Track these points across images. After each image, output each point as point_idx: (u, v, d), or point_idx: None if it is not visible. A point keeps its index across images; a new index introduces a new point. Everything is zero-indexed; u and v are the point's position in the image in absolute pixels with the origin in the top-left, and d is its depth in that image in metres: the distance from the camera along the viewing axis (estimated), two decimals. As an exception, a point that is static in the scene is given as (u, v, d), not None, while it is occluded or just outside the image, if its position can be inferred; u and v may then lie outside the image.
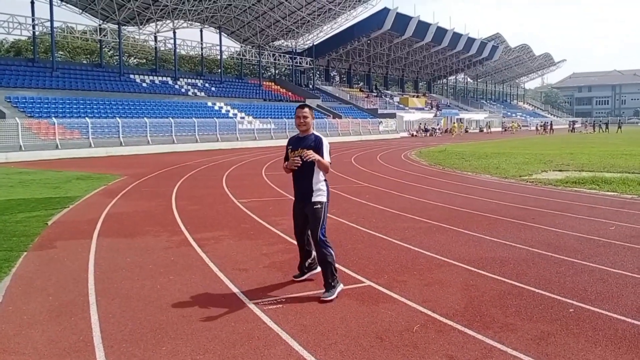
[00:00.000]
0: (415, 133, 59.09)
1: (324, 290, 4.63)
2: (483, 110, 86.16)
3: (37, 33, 41.26)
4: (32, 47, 45.75)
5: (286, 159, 4.79)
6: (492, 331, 3.87)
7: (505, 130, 70.11)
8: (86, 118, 30.51)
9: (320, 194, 4.71)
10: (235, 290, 4.93)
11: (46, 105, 32.88)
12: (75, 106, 34.16)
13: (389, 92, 75.57)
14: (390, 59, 72.91)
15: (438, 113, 70.85)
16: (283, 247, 6.67)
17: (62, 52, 60.46)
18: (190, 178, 15.96)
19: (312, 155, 4.50)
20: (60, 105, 33.53)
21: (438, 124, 65.96)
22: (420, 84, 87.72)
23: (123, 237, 7.40)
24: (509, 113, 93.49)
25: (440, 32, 67.57)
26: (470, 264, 5.75)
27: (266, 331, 3.94)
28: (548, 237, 7.10)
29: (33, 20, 39.50)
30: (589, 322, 4.06)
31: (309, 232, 4.80)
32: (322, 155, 4.61)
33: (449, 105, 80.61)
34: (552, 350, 3.55)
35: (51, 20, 38.87)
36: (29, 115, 30.50)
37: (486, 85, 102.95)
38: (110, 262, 6.02)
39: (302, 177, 4.70)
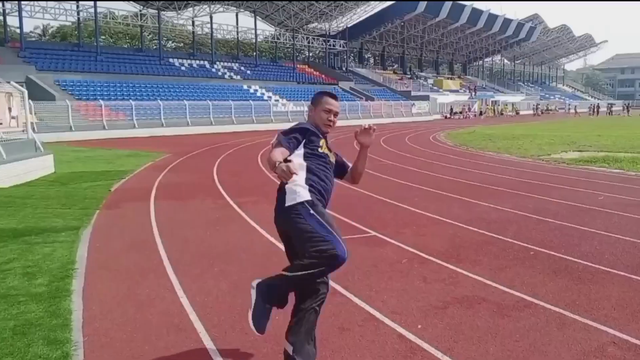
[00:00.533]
0: (448, 115, 59.30)
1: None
2: (520, 93, 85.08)
3: (81, 19, 43.48)
4: (76, 32, 48.01)
5: (306, 156, 3.00)
6: (462, 264, 5.05)
7: (538, 112, 69.34)
8: (130, 100, 32.39)
9: None
10: (267, 236, 6.22)
11: (92, 88, 34.95)
12: (119, 89, 36.17)
13: (423, 74, 75.56)
14: (425, 41, 72.79)
15: (473, 95, 70.59)
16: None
17: (104, 37, 62.81)
18: (229, 156, 17.41)
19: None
20: (105, 88, 35.58)
21: (472, 106, 65.80)
22: (456, 66, 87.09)
23: (175, 200, 8.82)
24: (547, 95, 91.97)
25: (476, 13, 67.00)
26: (462, 222, 6.89)
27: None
28: (539, 204, 8.15)
29: (78, 6, 41.71)
30: (541, 260, 5.19)
31: None
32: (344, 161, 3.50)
33: (484, 87, 80.00)
34: (503, 275, 4.71)
35: (95, 7, 40.95)
36: (77, 97, 32.58)
37: (524, 67, 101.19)
38: (168, 217, 7.43)
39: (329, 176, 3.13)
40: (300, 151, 2.95)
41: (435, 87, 69.00)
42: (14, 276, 4.78)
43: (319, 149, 3.01)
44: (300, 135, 2.97)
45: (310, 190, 2.91)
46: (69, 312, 3.93)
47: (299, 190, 2.89)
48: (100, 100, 31.07)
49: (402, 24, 65.38)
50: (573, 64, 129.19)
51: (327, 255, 2.67)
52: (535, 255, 5.36)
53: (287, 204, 2.93)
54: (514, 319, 3.76)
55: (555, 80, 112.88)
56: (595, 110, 66.17)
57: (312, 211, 2.82)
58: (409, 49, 74.12)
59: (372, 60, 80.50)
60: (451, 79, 76.29)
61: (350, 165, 3.41)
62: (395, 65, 77.06)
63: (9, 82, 13.57)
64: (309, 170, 2.96)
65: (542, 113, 68.03)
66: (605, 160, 13.62)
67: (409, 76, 70.93)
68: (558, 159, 14.77)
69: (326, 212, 2.89)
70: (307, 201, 2.86)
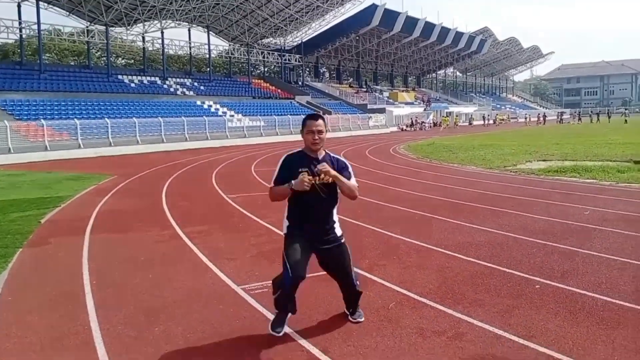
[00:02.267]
0: (405, 127, 59.46)
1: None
2: (472, 104, 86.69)
3: (24, 36, 41.16)
4: (19, 50, 45.52)
5: (283, 180, 3.58)
6: (461, 306, 4.17)
7: (494, 122, 70.55)
8: (75, 119, 30.54)
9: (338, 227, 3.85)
10: (223, 277, 5.20)
11: (34, 108, 32.85)
12: (63, 108, 34.15)
13: (378, 87, 75.87)
14: (379, 55, 73.17)
15: (428, 107, 71.26)
16: (270, 238, 6.94)
17: (49, 55, 60.02)
18: (180, 176, 16.18)
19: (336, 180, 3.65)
20: (49, 107, 33.51)
21: (427, 118, 66.34)
22: (410, 78, 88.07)
23: (115, 233, 7.64)
24: (498, 106, 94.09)
25: (429, 26, 67.87)
26: (447, 248, 6.05)
27: (252, 312, 4.22)
28: (524, 223, 7.43)
29: (20, 23, 39.41)
30: (552, 296, 4.37)
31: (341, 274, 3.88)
32: (350, 175, 3.85)
33: (438, 99, 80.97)
34: (515, 321, 3.86)
35: (38, 23, 38.71)
36: (17, 117, 30.49)
37: (475, 79, 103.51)
38: (104, 256, 6.27)
39: (320, 208, 3.68)
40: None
41: (390, 100, 69.27)
42: None
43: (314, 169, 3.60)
44: (286, 175, 3.59)
45: (289, 223, 3.77)
46: None
47: (283, 223, 3.82)
48: (41, 120, 29.12)
49: (357, 37, 65.46)
50: (521, 75, 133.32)
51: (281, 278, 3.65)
52: (542, 290, 4.54)
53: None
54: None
55: (505, 91, 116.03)
56: (543, 119, 67.91)
57: (285, 242, 3.72)
58: (364, 62, 74.34)
59: (327, 74, 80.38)
60: (406, 91, 76.89)
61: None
62: (351, 79, 77.08)
63: None
64: (289, 202, 3.74)
65: (497, 123, 69.24)
66: (574, 170, 13.19)
67: (365, 89, 70.95)
68: (526, 170, 14.29)
69: (295, 243, 3.63)
70: (285, 234, 3.79)
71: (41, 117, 30.53)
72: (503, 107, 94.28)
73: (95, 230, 7.89)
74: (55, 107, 33.83)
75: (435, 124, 63.66)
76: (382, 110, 59.49)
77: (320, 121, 3.66)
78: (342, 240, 3.81)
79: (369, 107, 60.39)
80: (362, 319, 3.93)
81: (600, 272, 5.02)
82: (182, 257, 6.11)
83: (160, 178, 15.42)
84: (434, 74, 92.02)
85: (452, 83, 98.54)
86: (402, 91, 75.86)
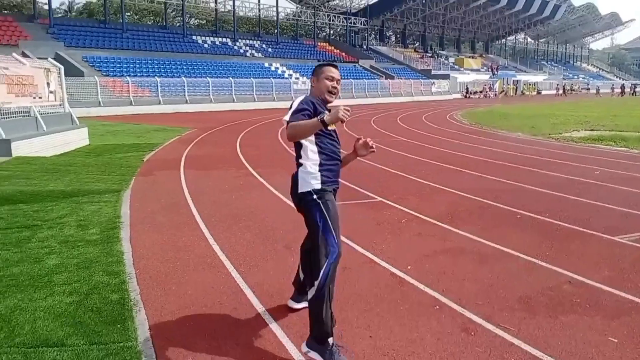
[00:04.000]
0: (468, 94, 59.11)
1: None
2: (542, 72, 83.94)
3: (107, -4, 44.38)
4: (102, 9, 48.93)
5: (307, 116, 2.99)
6: (454, 223, 5.77)
7: (563, 93, 68.28)
8: (156, 77, 33.29)
9: None
10: (285, 199, 7.00)
11: (119, 65, 35.93)
12: (144, 66, 37.10)
13: (444, 52, 75.04)
14: (446, 19, 72.17)
15: (494, 74, 70.02)
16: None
17: (129, 14, 63.69)
18: (250, 132, 18.20)
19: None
20: (132, 65, 36.53)
21: (493, 85, 65.35)
22: (478, 44, 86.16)
23: (203, 170, 9.65)
24: (570, 75, 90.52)
25: (499, -10, 66.13)
26: (463, 191, 7.58)
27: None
28: (538, 178, 8.77)
29: (105, -17, 42.54)
30: (526, 221, 5.89)
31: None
32: None
33: (506, 67, 79.09)
34: (488, 233, 5.42)
35: (121, -16, 41.74)
36: (104, 74, 33.59)
37: (547, 46, 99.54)
38: (197, 184, 8.26)
39: (339, 151, 3.24)
40: None
41: (456, 66, 68.60)
42: (69, 227, 5.65)
43: (329, 126, 2.93)
44: (310, 110, 2.99)
45: (322, 176, 3.07)
46: (120, 254, 4.77)
47: (310, 178, 3.06)
48: (127, 77, 32.04)
49: (424, 1, 64.90)
50: (599, 43, 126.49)
51: (327, 255, 2.94)
52: (521, 218, 6.05)
53: (300, 190, 3.11)
54: (491, 266, 4.49)
55: (580, 60, 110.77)
56: (621, 90, 64.83)
57: (320, 204, 3.02)
58: (431, 27, 73.57)
59: (393, 38, 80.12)
60: (472, 57, 75.63)
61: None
62: (417, 44, 76.60)
63: (46, 59, 14.50)
64: (320, 150, 3.09)
65: (564, 93, 66.69)
66: (612, 139, 14.05)
67: (430, 55, 70.54)
68: (567, 138, 15.22)
69: (333, 203, 3.06)
70: (315, 190, 3.05)
71: (125, 74, 33.51)
72: (575, 77, 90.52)
73: (187, 167, 9.96)
74: (137, 65, 36.80)
75: (503, 92, 62.73)
76: (446, 77, 59.32)
77: (338, 70, 3.27)
78: None
79: (433, 72, 60.33)
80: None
81: (575, 210, 6.43)
82: (254, 187, 8.00)
83: (234, 133, 17.49)
84: (503, 40, 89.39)
85: (522, 50, 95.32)
86: (469, 57, 74.69)
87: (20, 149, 10.83)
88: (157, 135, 16.08)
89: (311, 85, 3.29)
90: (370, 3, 61.91)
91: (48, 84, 13.38)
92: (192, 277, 4.25)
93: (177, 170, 9.56)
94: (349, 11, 60.79)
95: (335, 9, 61.02)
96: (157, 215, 6.28)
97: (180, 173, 9.25)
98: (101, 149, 12.66)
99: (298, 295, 3.57)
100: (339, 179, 3.25)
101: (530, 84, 71.44)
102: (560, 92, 67.64)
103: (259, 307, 3.66)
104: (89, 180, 8.37)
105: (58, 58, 31.85)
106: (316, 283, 2.91)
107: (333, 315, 3.00)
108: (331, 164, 3.14)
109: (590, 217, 6.08)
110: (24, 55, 24.57)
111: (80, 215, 6.15)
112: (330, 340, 2.90)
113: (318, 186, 3.06)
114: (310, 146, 3.10)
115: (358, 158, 3.31)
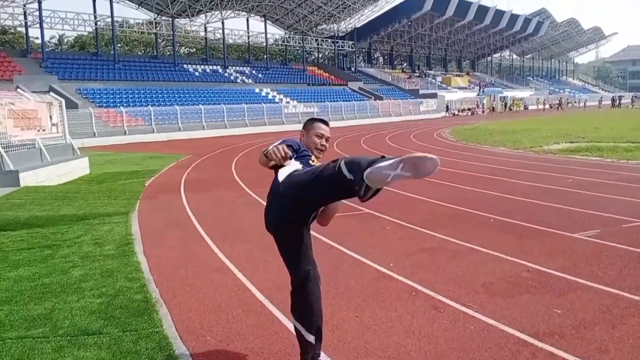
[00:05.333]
0: (456, 112, 60.30)
1: None
2: (529, 88, 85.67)
3: (98, 28, 45.39)
4: (94, 42, 50.02)
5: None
6: (432, 228, 6.45)
7: (550, 107, 69.63)
8: (149, 106, 34.09)
9: None
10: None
11: (112, 95, 36.73)
12: (137, 95, 37.94)
13: (431, 72, 76.63)
14: (432, 39, 73.89)
15: (481, 91, 71.50)
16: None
17: (120, 45, 64.95)
18: (244, 155, 18.92)
19: None
20: (124, 95, 37.35)
21: (480, 103, 66.66)
22: (464, 62, 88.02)
23: (203, 192, 10.32)
24: (556, 89, 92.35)
25: (482, 10, 67.94)
26: (442, 201, 8.28)
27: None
28: (510, 186, 9.51)
29: (95, 17, 43.62)
30: (497, 224, 6.59)
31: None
32: None
33: (493, 84, 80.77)
34: (462, 234, 6.10)
35: (112, 16, 42.84)
36: (98, 105, 34.34)
37: (533, 62, 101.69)
38: (198, 204, 8.91)
39: None
40: (296, 162, 2.98)
41: (443, 85, 70.04)
42: (87, 245, 6.27)
43: (311, 162, 3.04)
44: (294, 147, 3.01)
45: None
46: (137, 263, 5.41)
47: None
48: (120, 107, 32.83)
49: (410, 23, 66.57)
50: (584, 57, 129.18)
51: (301, 276, 3.03)
52: (493, 222, 6.75)
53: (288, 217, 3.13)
54: (462, 260, 5.16)
55: (565, 74, 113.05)
56: (612, 103, 66.10)
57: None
58: (417, 47, 75.24)
59: (381, 60, 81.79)
60: (459, 76, 77.25)
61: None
62: (405, 64, 78.25)
63: (48, 92, 15.22)
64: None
65: (561, 107, 64.69)
66: (588, 150, 14.87)
67: (417, 75, 72.07)
68: (547, 150, 16.03)
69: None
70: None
71: (118, 104, 34.30)
72: (561, 91, 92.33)
73: (187, 189, 10.63)
74: (130, 95, 37.63)
75: (491, 109, 63.98)
76: (433, 95, 60.57)
77: (328, 127, 3.26)
78: None
79: (421, 92, 61.58)
80: None
81: (542, 213, 7.13)
82: (252, 204, 8.67)
83: (228, 157, 18.19)
84: (489, 58, 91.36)
85: (508, 66, 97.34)
86: (456, 76, 76.29)
87: (27, 179, 11.46)
88: (155, 162, 16.75)
89: (300, 137, 3.25)
90: (357, 26, 63.51)
91: (50, 117, 14.09)
92: (203, 279, 4.89)
93: (178, 193, 10.22)
94: (336, 35, 62.27)
95: (323, 33, 62.51)
96: (165, 232, 6.92)
97: (182, 195, 9.91)
98: (103, 177, 13.30)
99: None
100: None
101: (517, 100, 72.86)
102: (547, 106, 68.99)
103: (262, 298, 4.31)
104: (97, 204, 9.00)
105: (52, 91, 32.65)
106: None
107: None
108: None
109: (556, 219, 6.78)
110: (16, 89, 25.34)
111: (95, 234, 6.78)
112: None
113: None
114: None
115: None
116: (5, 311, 4.21)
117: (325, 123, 3.24)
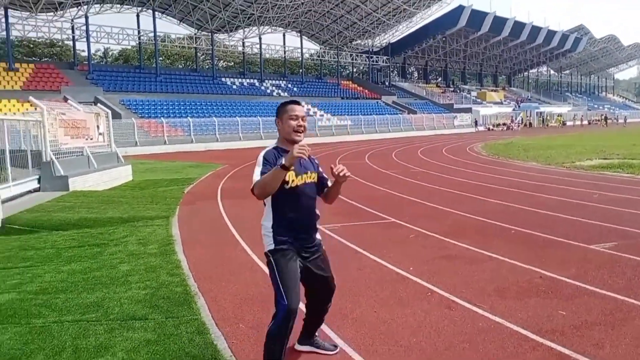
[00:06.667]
0: (491, 127, 59.82)
1: None
2: (567, 103, 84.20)
3: (141, 43, 47.25)
4: (137, 55, 52.04)
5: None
6: (455, 238, 6.76)
7: (588, 123, 68.31)
8: (188, 118, 35.28)
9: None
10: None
11: (153, 107, 38.15)
12: (177, 107, 39.28)
13: (466, 87, 76.37)
14: (467, 54, 73.67)
15: (517, 107, 70.73)
16: (344, 205, 9.78)
17: (161, 59, 67.19)
18: (278, 166, 19.48)
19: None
20: (165, 106, 38.72)
21: (516, 118, 65.94)
22: (500, 77, 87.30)
23: (238, 199, 10.85)
24: (595, 105, 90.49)
25: (518, 26, 67.39)
26: (467, 212, 8.56)
27: (328, 239, 7.09)
28: (536, 200, 9.69)
29: (139, 32, 45.46)
30: (518, 236, 6.85)
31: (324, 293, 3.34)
32: (326, 177, 3.33)
33: (529, 99, 79.74)
34: (483, 244, 6.40)
35: (154, 31, 44.58)
36: (140, 115, 35.74)
37: (571, 78, 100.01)
38: (234, 210, 9.44)
39: (306, 206, 3.20)
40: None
41: (478, 100, 69.70)
42: (132, 244, 6.84)
43: (286, 185, 3.01)
44: (271, 163, 3.01)
45: (277, 235, 3.10)
46: (178, 261, 5.92)
47: (266, 239, 3.15)
48: (161, 118, 34.08)
49: (444, 38, 66.66)
50: (625, 73, 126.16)
51: (276, 314, 3.01)
52: (515, 233, 7.01)
53: (264, 249, 3.20)
54: (478, 266, 5.48)
55: (605, 90, 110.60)
56: None
57: (274, 265, 3.06)
58: (452, 62, 75.13)
59: (415, 74, 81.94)
60: (495, 91, 76.68)
61: (329, 185, 3.30)
62: (439, 79, 78.18)
63: (94, 103, 16.14)
64: (275, 208, 3.14)
65: (605, 123, 63.40)
66: (620, 166, 14.81)
67: (452, 89, 71.91)
68: (578, 166, 16.01)
69: (287, 263, 3.05)
70: (270, 251, 3.11)
71: (159, 115, 35.62)
72: (600, 107, 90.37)
73: (224, 197, 11.21)
74: (170, 107, 38.99)
75: (528, 124, 63.18)
76: (468, 110, 60.37)
77: (302, 107, 3.19)
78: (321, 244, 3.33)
79: (455, 106, 61.48)
80: (337, 350, 3.54)
81: (564, 226, 7.34)
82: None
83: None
84: (525, 73, 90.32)
85: (545, 82, 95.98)
86: (491, 91, 75.79)
87: (76, 184, 12.26)
88: (193, 171, 17.47)
89: (277, 128, 3.20)
90: (391, 42, 64.00)
91: (98, 126, 14.97)
92: (237, 277, 5.35)
93: (215, 200, 10.80)
94: (370, 50, 62.89)
95: (357, 48, 63.24)
96: (203, 235, 7.45)
97: (219, 202, 10.47)
98: (145, 184, 14.04)
99: (301, 338, 3.56)
100: (312, 233, 3.23)
101: (558, 116, 71.65)
102: (585, 122, 67.56)
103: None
104: (140, 209, 9.64)
105: (97, 102, 34.22)
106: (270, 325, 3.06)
107: None
108: (289, 222, 3.10)
109: (575, 231, 7.00)
110: (66, 100, 26.74)
111: (139, 235, 7.36)
112: None
113: (271, 247, 3.10)
114: (267, 203, 3.14)
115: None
116: (62, 299, 4.75)
117: (297, 103, 3.17)
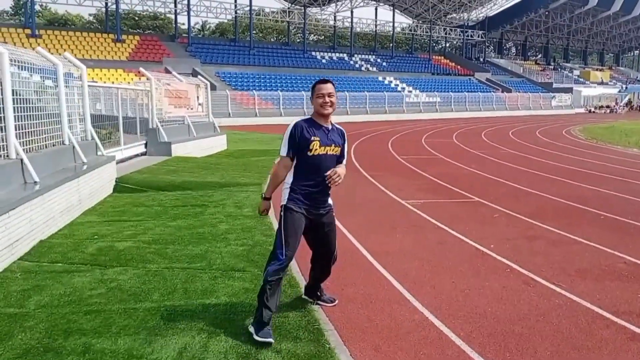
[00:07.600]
0: (592, 109, 56.07)
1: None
2: (682, 85, 76.77)
3: (238, 16, 48.82)
4: (233, 29, 53.78)
5: (292, 151, 3.53)
6: (539, 219, 6.76)
7: None
8: (278, 91, 36.28)
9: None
10: (393, 196, 8.35)
11: (246, 79, 39.55)
12: (268, 80, 40.45)
13: (568, 65, 71.72)
14: (572, 30, 68.97)
15: (624, 88, 65.58)
16: (426, 182, 9.93)
17: (255, 32, 68.94)
18: (363, 142, 19.76)
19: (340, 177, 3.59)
20: (257, 80, 40.01)
21: (621, 100, 61.26)
22: (607, 56, 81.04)
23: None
24: None
25: (630, 0, 62.05)
26: (555, 196, 8.44)
27: (410, 213, 7.34)
28: (632, 187, 9.31)
29: (235, 6, 46.98)
30: (607, 221, 6.72)
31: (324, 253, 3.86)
32: (345, 154, 3.80)
33: (639, 80, 73.57)
34: (568, 227, 6.37)
35: (250, 5, 45.89)
36: (234, 87, 37.24)
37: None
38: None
39: (324, 173, 3.54)
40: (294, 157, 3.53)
41: (581, 79, 65.36)
42: (229, 207, 7.47)
43: (309, 152, 3.47)
44: (296, 139, 3.49)
45: (292, 193, 3.51)
46: (270, 224, 6.44)
47: (284, 194, 3.57)
48: (253, 91, 35.32)
49: (547, 12, 62.79)
50: None
51: (272, 262, 3.43)
52: (604, 219, 6.88)
53: (280, 202, 3.60)
54: (561, 248, 5.52)
55: None
56: None
57: (282, 218, 3.50)
58: (554, 38, 70.74)
59: (513, 50, 78.06)
60: (600, 70, 71.43)
61: (342, 162, 3.77)
62: (539, 56, 74.00)
63: (194, 75, 17.18)
64: (296, 170, 3.55)
65: None
66: None
67: (552, 67, 67.88)
68: (687, 154, 14.93)
69: (294, 219, 3.47)
70: (283, 206, 3.53)
71: (251, 87, 36.92)
72: None
73: (311, 169, 11.68)
74: (262, 80, 40.22)
75: (636, 107, 58.62)
76: (568, 90, 56.90)
77: (329, 85, 3.53)
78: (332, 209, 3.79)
79: (554, 85, 58.22)
80: (335, 302, 4.05)
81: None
82: (368, 186, 9.46)
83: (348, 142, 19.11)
84: (636, 52, 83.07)
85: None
86: (596, 70, 70.69)
87: (178, 150, 13.26)
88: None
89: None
90: (488, 15, 61.32)
91: (197, 97, 15.97)
92: (323, 241, 5.78)
93: (303, 170, 11.31)
94: (466, 24, 60.71)
95: (451, 22, 61.23)
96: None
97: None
98: (238, 153, 14.87)
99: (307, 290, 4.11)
100: (326, 197, 3.68)
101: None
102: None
103: (371, 259, 5.09)
104: (235, 175, 10.35)
105: (194, 74, 36.04)
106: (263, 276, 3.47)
107: (270, 314, 3.37)
108: (305, 187, 3.52)
109: (671, 221, 6.76)
110: (167, 71, 28.44)
111: (235, 199, 8.00)
112: (266, 328, 3.31)
113: (284, 202, 3.53)
114: (295, 165, 3.56)
115: None
116: (171, 249, 5.41)
117: (324, 82, 3.57)
